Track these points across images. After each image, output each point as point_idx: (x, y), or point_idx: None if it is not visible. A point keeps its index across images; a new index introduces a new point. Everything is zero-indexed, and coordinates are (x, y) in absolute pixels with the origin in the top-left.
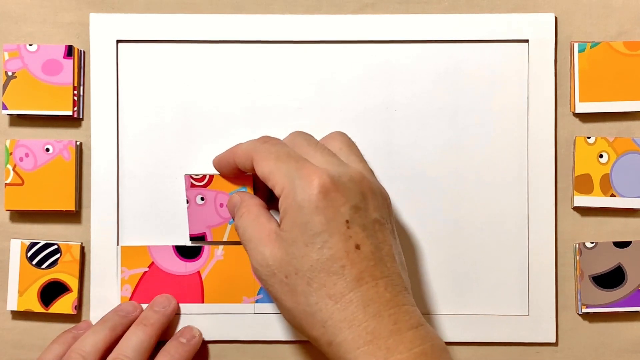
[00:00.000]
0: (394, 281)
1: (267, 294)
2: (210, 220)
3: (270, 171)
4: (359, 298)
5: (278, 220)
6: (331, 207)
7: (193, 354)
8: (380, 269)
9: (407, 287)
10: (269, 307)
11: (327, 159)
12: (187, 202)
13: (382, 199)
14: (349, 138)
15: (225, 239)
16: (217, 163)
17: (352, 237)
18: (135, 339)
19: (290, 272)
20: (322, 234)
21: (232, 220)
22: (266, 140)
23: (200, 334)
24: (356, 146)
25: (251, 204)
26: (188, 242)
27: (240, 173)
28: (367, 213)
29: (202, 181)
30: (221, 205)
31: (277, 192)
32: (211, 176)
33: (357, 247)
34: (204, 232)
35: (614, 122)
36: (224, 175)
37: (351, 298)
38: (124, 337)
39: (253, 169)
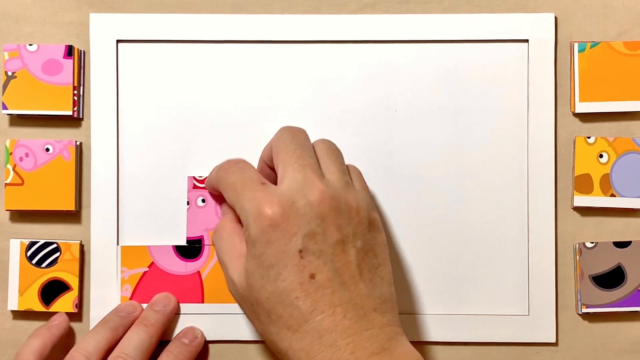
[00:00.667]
0: (357, 305)
1: None
2: (209, 222)
3: (232, 204)
4: (314, 329)
5: None
6: (282, 239)
7: (195, 355)
8: (339, 295)
9: (377, 306)
10: None
11: (294, 175)
12: (188, 203)
13: (352, 213)
14: (334, 145)
15: None
16: (207, 186)
17: (306, 267)
18: (137, 339)
19: (253, 302)
20: (274, 266)
21: None
22: (226, 166)
23: (203, 335)
24: (339, 154)
25: (227, 220)
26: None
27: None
28: (326, 237)
29: (204, 182)
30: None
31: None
32: None
33: (312, 276)
34: (202, 236)
35: (614, 122)
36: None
37: (307, 329)
38: (125, 336)
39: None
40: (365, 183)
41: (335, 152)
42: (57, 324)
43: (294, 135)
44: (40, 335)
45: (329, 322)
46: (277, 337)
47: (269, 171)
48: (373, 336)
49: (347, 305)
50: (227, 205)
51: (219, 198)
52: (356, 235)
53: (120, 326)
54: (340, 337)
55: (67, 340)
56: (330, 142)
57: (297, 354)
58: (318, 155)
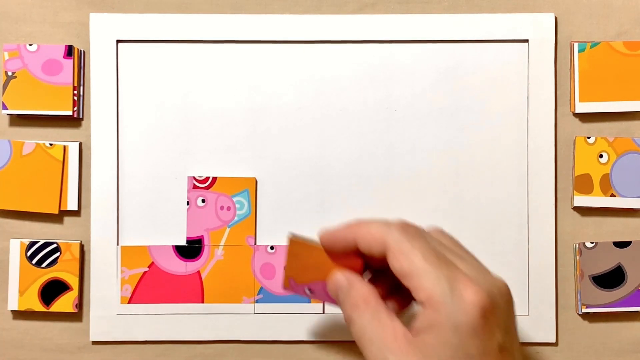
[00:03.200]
0: None
1: (267, 294)
2: (209, 223)
3: (415, 271)
4: None
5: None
6: (488, 332)
7: None
8: None
9: None
10: (269, 307)
11: (468, 265)
12: (188, 203)
13: (507, 306)
14: (448, 233)
15: (222, 243)
16: (329, 238)
17: None
18: None
19: None
20: (474, 357)
21: (230, 224)
22: (405, 228)
23: None
24: (457, 240)
25: (367, 293)
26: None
27: (353, 255)
28: (513, 332)
29: (205, 182)
30: (221, 208)
31: (419, 296)
32: (214, 178)
33: None
34: (202, 236)
35: (614, 122)
36: (331, 252)
37: None
38: None
39: (381, 256)
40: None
41: (460, 243)
42: None
43: (422, 243)
44: None
45: None
46: None
47: (347, 253)
48: None
49: None
50: (345, 275)
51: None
52: (516, 322)
53: None
54: None
55: (67, 340)
56: (443, 230)
57: None
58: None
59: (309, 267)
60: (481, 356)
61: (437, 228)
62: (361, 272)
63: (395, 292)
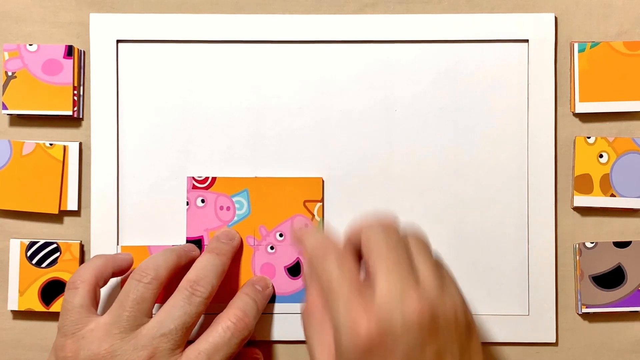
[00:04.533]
0: None
1: None
2: (209, 223)
3: (325, 301)
4: None
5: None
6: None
7: (265, 304)
8: None
9: None
10: (269, 307)
11: (390, 284)
12: (187, 204)
13: (450, 326)
14: (423, 237)
15: None
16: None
17: None
18: (210, 264)
19: None
20: None
21: (230, 224)
22: (322, 253)
23: (273, 287)
24: (429, 247)
25: (317, 302)
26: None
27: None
28: (424, 355)
29: (204, 183)
30: (221, 208)
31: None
32: (213, 178)
33: None
34: (201, 236)
35: (614, 122)
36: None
37: None
38: (197, 261)
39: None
40: (451, 272)
41: (426, 247)
42: (124, 256)
43: (389, 235)
44: (104, 257)
45: None
46: None
47: (355, 251)
48: None
49: None
50: (315, 278)
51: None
52: (453, 347)
53: (183, 257)
54: None
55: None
56: (420, 232)
57: None
58: (410, 250)
59: None
60: None
61: (416, 231)
62: None
63: None
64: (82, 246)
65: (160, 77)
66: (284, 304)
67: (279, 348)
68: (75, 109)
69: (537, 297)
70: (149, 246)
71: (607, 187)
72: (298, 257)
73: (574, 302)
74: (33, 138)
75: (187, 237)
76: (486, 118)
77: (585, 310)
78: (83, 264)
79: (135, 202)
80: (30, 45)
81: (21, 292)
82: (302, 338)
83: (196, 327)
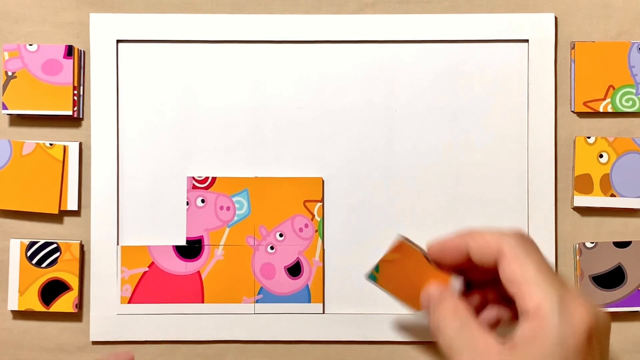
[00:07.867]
0: None
1: (267, 294)
2: (209, 223)
3: (527, 279)
4: None
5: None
6: (590, 354)
7: None
8: None
9: None
10: (269, 307)
11: (574, 288)
12: (187, 204)
13: (609, 335)
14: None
15: (222, 243)
16: (440, 248)
17: None
18: None
19: None
20: None
21: (230, 224)
22: (522, 237)
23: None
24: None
25: (456, 305)
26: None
27: (458, 264)
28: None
29: (204, 182)
30: (221, 208)
31: (526, 304)
32: (213, 178)
33: None
34: (201, 236)
35: (614, 122)
36: (439, 262)
37: None
38: None
39: (490, 265)
40: None
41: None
42: (125, 353)
43: (537, 256)
44: None
45: None
46: None
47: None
48: None
49: None
50: (436, 286)
51: None
52: (605, 357)
53: None
54: None
55: (67, 340)
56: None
57: None
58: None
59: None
60: None
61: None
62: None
63: (486, 308)
64: (82, 246)
65: (160, 77)
66: (284, 304)
67: (279, 348)
68: (75, 109)
69: None
70: (149, 246)
71: (607, 187)
72: (298, 257)
73: None
74: (33, 138)
75: (187, 237)
76: (486, 118)
77: None
78: None
79: (135, 202)
80: (30, 45)
81: (21, 292)
82: (302, 338)
83: None
